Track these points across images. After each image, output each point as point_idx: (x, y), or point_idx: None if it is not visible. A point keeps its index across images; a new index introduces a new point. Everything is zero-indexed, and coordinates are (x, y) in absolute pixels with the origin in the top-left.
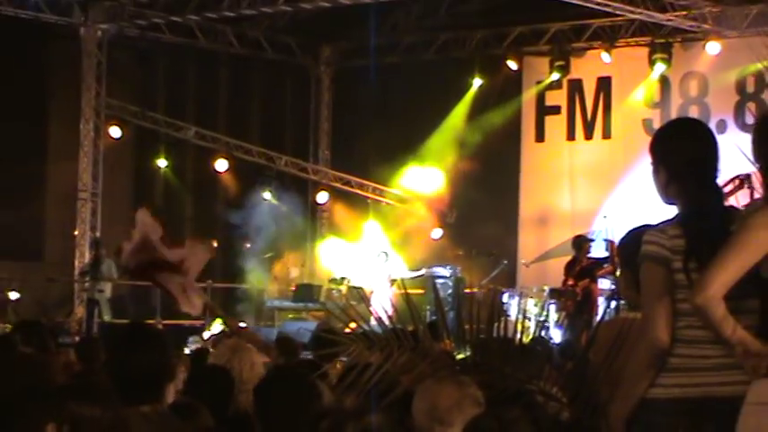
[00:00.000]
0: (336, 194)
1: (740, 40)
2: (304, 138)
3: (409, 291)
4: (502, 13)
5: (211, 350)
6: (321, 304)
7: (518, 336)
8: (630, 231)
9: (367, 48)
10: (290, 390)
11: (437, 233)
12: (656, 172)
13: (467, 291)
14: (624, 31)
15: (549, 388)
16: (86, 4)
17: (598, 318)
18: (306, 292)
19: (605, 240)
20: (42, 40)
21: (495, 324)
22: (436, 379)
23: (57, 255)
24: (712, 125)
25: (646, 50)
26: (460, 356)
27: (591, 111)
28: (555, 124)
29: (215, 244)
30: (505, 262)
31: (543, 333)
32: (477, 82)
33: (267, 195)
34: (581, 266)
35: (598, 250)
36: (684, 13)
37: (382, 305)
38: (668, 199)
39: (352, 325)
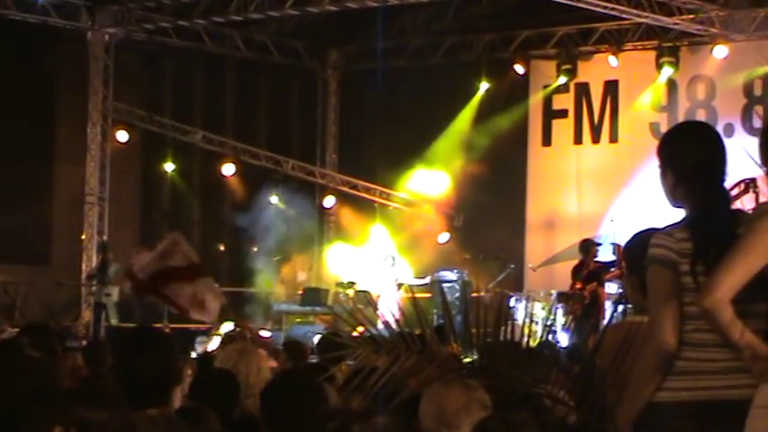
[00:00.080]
0: (343, 198)
1: (747, 43)
2: (311, 141)
3: (416, 295)
4: (509, 16)
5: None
6: (328, 308)
7: (525, 339)
8: (636, 234)
9: (374, 51)
10: (297, 393)
11: (444, 237)
12: (663, 175)
13: (474, 295)
14: (631, 35)
15: (556, 391)
16: (94, 8)
17: (605, 322)
18: (313, 296)
19: (612, 244)
20: (50, 43)
21: (503, 328)
22: (443, 382)
23: (64, 258)
24: (720, 129)
25: (653, 54)
26: (467, 360)
27: (598, 114)
28: (562, 128)
29: (222, 248)
30: (512, 266)
31: (550, 337)
32: (484, 86)
33: (274, 199)
34: (588, 270)
35: (605, 254)
36: (692, 16)
37: (390, 309)
38: (676, 202)
39: (360, 329)
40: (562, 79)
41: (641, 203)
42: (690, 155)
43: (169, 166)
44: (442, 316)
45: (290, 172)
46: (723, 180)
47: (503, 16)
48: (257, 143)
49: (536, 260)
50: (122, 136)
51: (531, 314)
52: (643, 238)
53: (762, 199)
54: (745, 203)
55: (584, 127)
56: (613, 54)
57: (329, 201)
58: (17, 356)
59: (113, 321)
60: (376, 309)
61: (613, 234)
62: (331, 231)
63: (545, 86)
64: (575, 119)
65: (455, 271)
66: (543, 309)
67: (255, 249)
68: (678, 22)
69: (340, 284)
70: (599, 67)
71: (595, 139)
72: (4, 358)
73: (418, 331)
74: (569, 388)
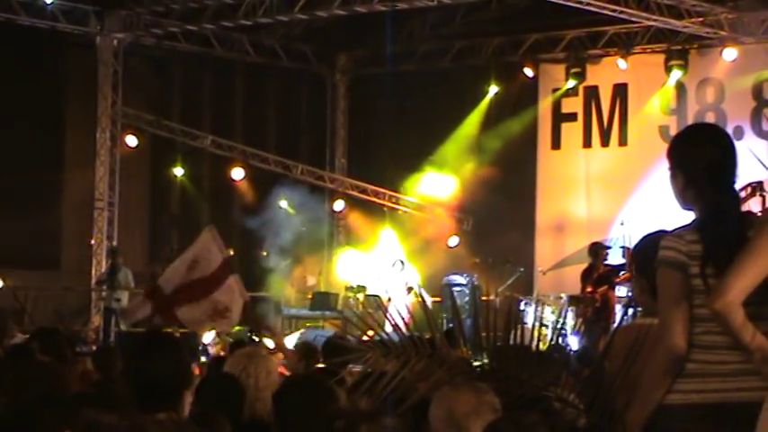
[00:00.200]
0: (353, 202)
1: (757, 45)
2: (320, 146)
3: (426, 299)
4: (517, 20)
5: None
6: (338, 312)
7: (535, 343)
8: (645, 237)
9: (382, 56)
10: (309, 397)
11: (454, 241)
12: (673, 177)
13: (484, 298)
14: (640, 38)
15: (566, 394)
16: (103, 14)
17: (615, 325)
18: (323, 301)
19: (622, 247)
20: (59, 49)
21: (512, 331)
22: (453, 386)
23: (73, 264)
24: (729, 131)
25: (662, 57)
26: (477, 363)
27: (607, 118)
28: (571, 131)
29: (231, 252)
30: (522, 269)
31: (560, 340)
32: (492, 89)
33: (283, 203)
34: (598, 273)
35: (615, 257)
36: (701, 19)
37: (399, 313)
38: (686, 204)
39: (370, 333)
40: (571, 82)
41: (651, 206)
42: (700, 157)
43: (178, 171)
44: (452, 320)
45: (300, 176)
46: (733, 182)
47: (511, 20)
48: (266, 147)
49: (546, 264)
50: (131, 141)
51: (541, 317)
52: (652, 241)
53: None
54: (752, 207)
55: (593, 130)
56: (622, 57)
57: (339, 205)
58: (27, 361)
59: (123, 326)
60: (386, 313)
61: (623, 237)
62: (341, 236)
63: (554, 90)
64: (584, 122)
65: (465, 275)
66: (553, 312)
67: (265, 254)
68: (687, 24)
69: (350, 289)
70: (608, 71)
71: (605, 142)
72: (14, 363)
73: (428, 335)
74: (579, 391)
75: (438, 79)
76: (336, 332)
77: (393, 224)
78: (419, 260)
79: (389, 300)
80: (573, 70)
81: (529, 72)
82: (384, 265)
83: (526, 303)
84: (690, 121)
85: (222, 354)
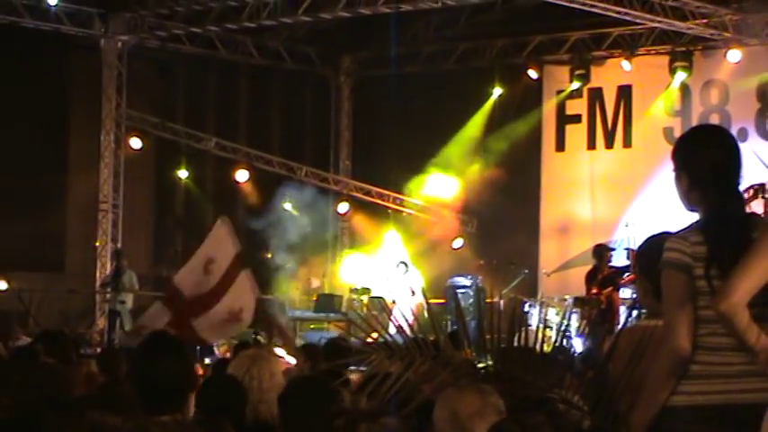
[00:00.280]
0: (357, 204)
1: (761, 47)
2: (324, 148)
3: (430, 301)
4: (522, 22)
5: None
6: (342, 314)
7: (539, 345)
8: (649, 238)
9: (387, 57)
10: (314, 398)
11: (458, 243)
12: (678, 178)
13: (488, 300)
14: (644, 40)
15: (570, 396)
16: (107, 16)
17: (619, 327)
18: (327, 303)
19: (626, 249)
20: (63, 51)
21: (517, 333)
22: (457, 387)
23: (78, 266)
24: (733, 133)
25: (666, 59)
26: (482, 365)
27: (611, 119)
28: (575, 133)
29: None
30: (526, 271)
31: (565, 342)
32: (497, 91)
33: (288, 206)
34: (603, 275)
35: (619, 259)
36: (705, 20)
37: (404, 315)
38: (690, 205)
39: (374, 335)
40: (575, 84)
41: (655, 208)
42: (704, 158)
43: (182, 173)
44: (456, 321)
45: (304, 178)
46: (738, 183)
47: (515, 22)
48: (270, 149)
49: (550, 266)
50: (136, 143)
51: (546, 319)
52: (656, 242)
53: None
54: (755, 209)
55: (597, 132)
56: (626, 59)
57: (343, 207)
58: (32, 363)
59: (128, 329)
60: (390, 315)
61: (627, 239)
62: (345, 237)
63: (558, 92)
64: (588, 124)
65: (469, 277)
66: (557, 314)
67: (269, 256)
68: (691, 26)
69: (354, 291)
70: (612, 72)
71: (609, 144)
72: (19, 365)
73: (432, 337)
74: (583, 392)
75: (442, 81)
76: (340, 334)
77: (397, 226)
78: (423, 262)
79: (393, 302)
80: (577, 72)
81: (533, 74)
82: (388, 266)
83: (530, 305)
84: (694, 123)
85: (227, 355)
